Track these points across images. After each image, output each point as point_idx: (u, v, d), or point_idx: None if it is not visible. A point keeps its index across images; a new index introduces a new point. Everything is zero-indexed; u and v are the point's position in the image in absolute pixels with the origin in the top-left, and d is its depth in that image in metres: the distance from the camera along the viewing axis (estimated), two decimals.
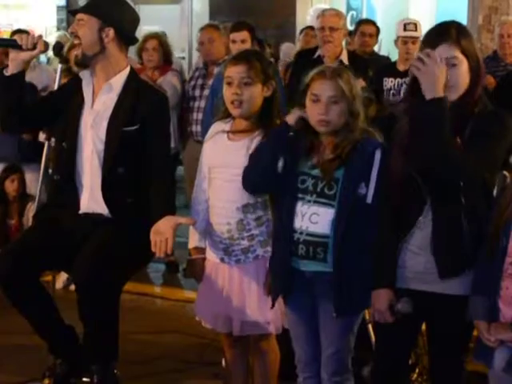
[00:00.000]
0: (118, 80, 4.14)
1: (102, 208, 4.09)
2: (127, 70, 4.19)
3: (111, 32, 4.08)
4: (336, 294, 3.43)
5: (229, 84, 3.73)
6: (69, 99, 4.19)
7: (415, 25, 6.82)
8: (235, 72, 3.72)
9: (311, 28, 9.23)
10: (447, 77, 3.09)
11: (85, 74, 4.18)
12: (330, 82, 3.44)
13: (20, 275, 3.97)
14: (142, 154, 4.05)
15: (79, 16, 4.12)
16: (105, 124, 4.08)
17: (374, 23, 7.98)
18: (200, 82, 6.77)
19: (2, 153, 7.03)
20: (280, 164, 3.54)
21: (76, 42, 4.15)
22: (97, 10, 4.11)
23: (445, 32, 3.19)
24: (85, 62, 4.15)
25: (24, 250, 4.04)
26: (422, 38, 3.36)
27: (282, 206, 3.54)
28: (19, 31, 8.40)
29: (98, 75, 4.16)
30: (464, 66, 3.17)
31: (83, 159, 4.13)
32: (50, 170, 4.71)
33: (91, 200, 4.11)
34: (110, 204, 4.07)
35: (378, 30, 7.82)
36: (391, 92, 6.75)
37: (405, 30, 6.85)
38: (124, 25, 4.15)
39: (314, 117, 3.45)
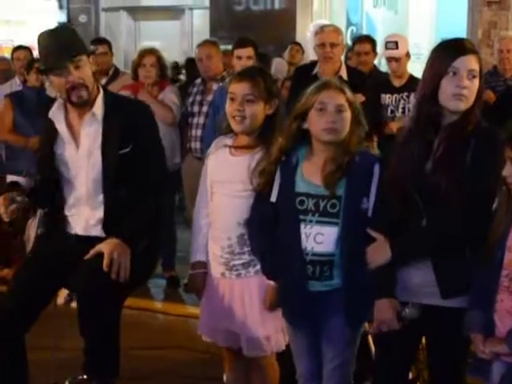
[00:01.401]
0: (98, 105, 4.00)
1: (99, 232, 4.05)
2: (101, 92, 4.05)
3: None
4: (346, 308, 3.44)
5: (232, 100, 3.76)
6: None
7: (396, 43, 6.71)
8: (239, 88, 3.75)
9: (296, 43, 9.42)
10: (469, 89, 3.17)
11: (55, 114, 4.04)
12: (337, 91, 3.48)
13: (7, 335, 3.92)
14: (140, 171, 3.99)
15: (77, 59, 3.90)
16: (98, 153, 3.97)
17: (369, 40, 7.81)
18: (198, 98, 6.77)
19: (21, 168, 7.09)
20: (274, 193, 3.56)
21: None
22: (81, 47, 3.97)
23: (469, 45, 3.25)
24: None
25: (14, 308, 3.94)
26: (430, 52, 3.36)
27: (284, 230, 3.55)
28: (20, 47, 8.46)
29: (73, 109, 4.02)
30: (477, 81, 3.21)
31: (77, 193, 4.05)
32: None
33: (87, 229, 4.07)
34: (108, 229, 4.00)
35: (373, 45, 7.68)
36: (389, 108, 6.75)
37: (386, 48, 6.83)
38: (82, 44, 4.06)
39: (320, 125, 3.46)
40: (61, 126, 4.02)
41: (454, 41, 3.30)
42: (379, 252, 3.29)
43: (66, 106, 4.04)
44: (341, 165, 3.43)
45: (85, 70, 3.92)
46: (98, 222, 4.04)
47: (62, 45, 3.88)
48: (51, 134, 4.06)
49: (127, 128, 3.95)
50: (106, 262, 3.75)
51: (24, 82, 7.63)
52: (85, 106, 3.95)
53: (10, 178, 7.23)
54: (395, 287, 3.32)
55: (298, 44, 9.78)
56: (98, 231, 4.04)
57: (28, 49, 8.39)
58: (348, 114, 3.47)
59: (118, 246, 3.81)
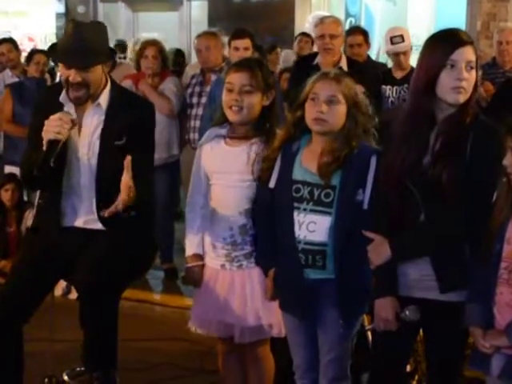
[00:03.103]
0: (104, 97, 4.00)
1: (99, 226, 4.01)
2: (109, 85, 4.04)
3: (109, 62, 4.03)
4: (340, 300, 3.44)
5: (229, 90, 3.74)
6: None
7: (401, 36, 6.73)
8: (237, 79, 3.74)
9: (305, 34, 9.27)
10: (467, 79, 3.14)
11: (65, 99, 3.98)
12: (331, 82, 3.47)
13: (4, 326, 3.91)
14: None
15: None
16: (97, 143, 3.97)
17: (360, 31, 7.63)
18: (197, 89, 6.76)
19: (19, 158, 7.08)
20: (273, 179, 3.57)
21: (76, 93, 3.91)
22: (99, 56, 3.93)
23: (465, 36, 3.21)
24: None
25: (12, 300, 3.92)
26: (423, 43, 3.33)
27: (279, 217, 3.55)
28: (4, 41, 8.44)
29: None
30: (474, 71, 3.19)
31: (78, 182, 4.01)
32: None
33: (88, 223, 4.03)
34: (107, 222, 3.95)
35: (366, 36, 7.52)
36: (390, 100, 6.74)
37: (392, 43, 6.81)
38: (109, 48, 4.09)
39: (310, 115, 3.46)
40: (71, 112, 3.96)
41: (449, 32, 3.26)
42: (379, 251, 3.28)
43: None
44: (338, 157, 3.43)
45: (93, 72, 3.90)
46: (96, 216, 4.00)
47: (82, 48, 3.84)
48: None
49: (127, 121, 3.93)
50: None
51: (24, 72, 7.63)
52: (80, 105, 3.93)
53: (9, 168, 7.23)
54: (396, 286, 3.30)
55: (308, 35, 9.29)
56: (97, 225, 4.00)
57: (12, 41, 8.38)
58: (341, 107, 3.45)
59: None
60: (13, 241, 6.94)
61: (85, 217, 4.03)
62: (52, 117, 3.79)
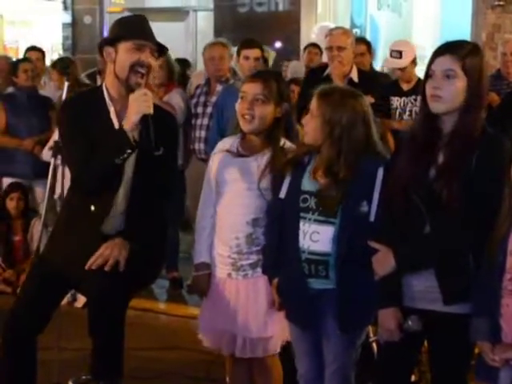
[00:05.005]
0: None
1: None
2: None
3: None
4: (340, 310, 3.45)
5: (242, 99, 3.79)
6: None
7: (400, 52, 6.71)
8: (251, 88, 3.79)
9: (314, 45, 9.25)
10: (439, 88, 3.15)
11: (110, 103, 3.92)
12: (319, 100, 3.51)
13: (21, 338, 3.95)
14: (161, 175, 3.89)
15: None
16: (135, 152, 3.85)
17: (363, 41, 7.69)
18: (202, 99, 6.76)
19: (16, 170, 7.11)
20: (284, 189, 3.59)
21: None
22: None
23: (455, 45, 3.22)
24: None
25: (28, 311, 3.96)
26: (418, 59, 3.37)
27: (286, 227, 3.58)
28: (33, 48, 8.41)
29: (118, 103, 3.91)
30: (460, 83, 3.16)
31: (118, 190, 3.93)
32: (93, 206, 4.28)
33: (114, 229, 4.00)
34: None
35: (369, 46, 7.62)
36: (398, 111, 6.76)
37: (390, 56, 6.83)
38: None
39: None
40: (114, 117, 3.89)
41: (445, 43, 3.28)
42: (383, 262, 3.28)
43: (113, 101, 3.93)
44: (336, 173, 3.45)
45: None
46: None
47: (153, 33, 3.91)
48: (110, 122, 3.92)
49: (160, 132, 3.81)
50: (96, 261, 3.74)
51: (14, 84, 7.48)
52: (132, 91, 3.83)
53: (6, 180, 7.18)
54: (400, 297, 3.31)
55: (317, 46, 9.03)
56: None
57: (42, 52, 8.36)
58: (315, 122, 3.48)
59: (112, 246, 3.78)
60: (18, 249, 6.95)
61: (116, 224, 3.93)
62: (135, 95, 3.74)
